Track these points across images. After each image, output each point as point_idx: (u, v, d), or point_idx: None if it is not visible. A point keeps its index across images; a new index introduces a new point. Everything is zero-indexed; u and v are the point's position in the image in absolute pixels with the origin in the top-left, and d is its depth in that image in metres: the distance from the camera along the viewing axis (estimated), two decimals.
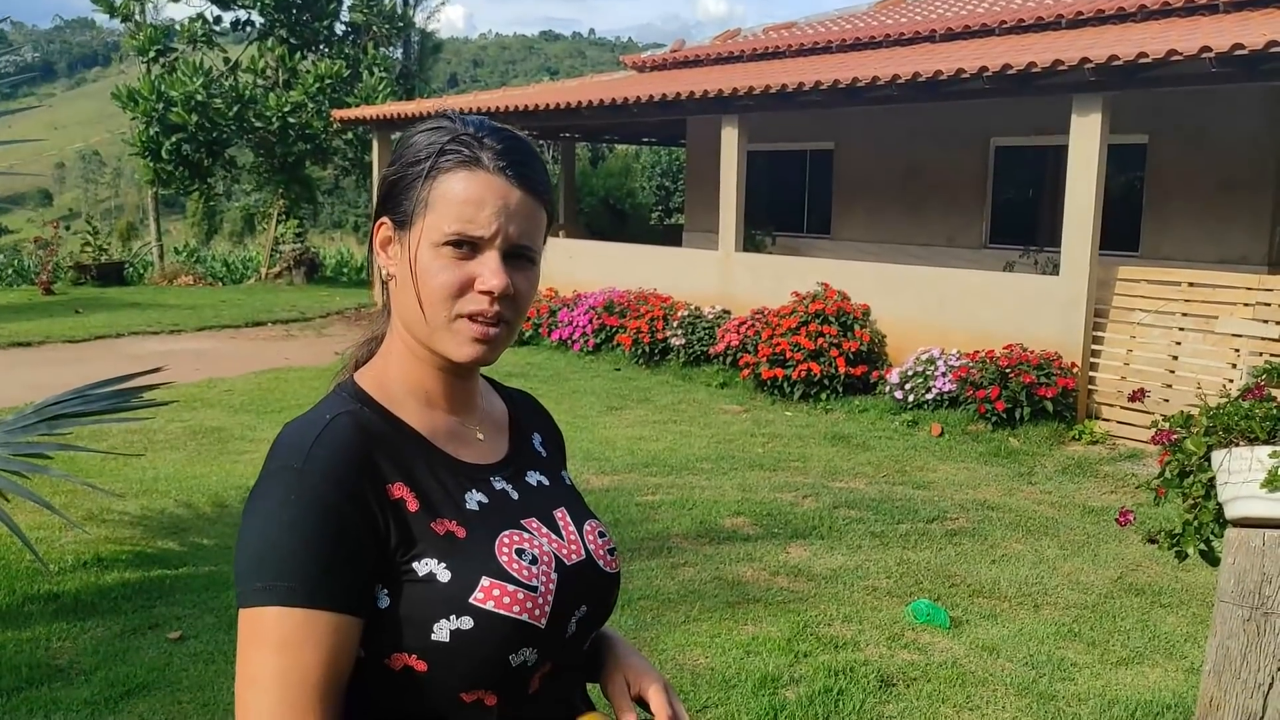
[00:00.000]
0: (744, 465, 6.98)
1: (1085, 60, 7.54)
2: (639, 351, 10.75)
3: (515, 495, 1.18)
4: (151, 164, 19.07)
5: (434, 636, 1.04)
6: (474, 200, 1.09)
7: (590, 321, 11.41)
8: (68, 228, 24.92)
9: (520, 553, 1.10)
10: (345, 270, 22.67)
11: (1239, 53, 6.89)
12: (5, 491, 3.92)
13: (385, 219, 1.14)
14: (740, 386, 9.63)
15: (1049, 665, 3.98)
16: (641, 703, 1.21)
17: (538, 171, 1.13)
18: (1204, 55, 7.05)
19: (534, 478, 1.23)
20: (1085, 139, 7.93)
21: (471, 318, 1.10)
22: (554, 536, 1.17)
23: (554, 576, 1.11)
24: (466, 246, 1.09)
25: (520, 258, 1.12)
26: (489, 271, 1.09)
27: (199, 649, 3.97)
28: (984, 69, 8.18)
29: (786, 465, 7.04)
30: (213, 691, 3.62)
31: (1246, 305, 7.40)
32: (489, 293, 1.09)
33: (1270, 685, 2.63)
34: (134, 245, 24.92)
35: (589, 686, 1.27)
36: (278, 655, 0.99)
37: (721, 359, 10.02)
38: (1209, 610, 4.51)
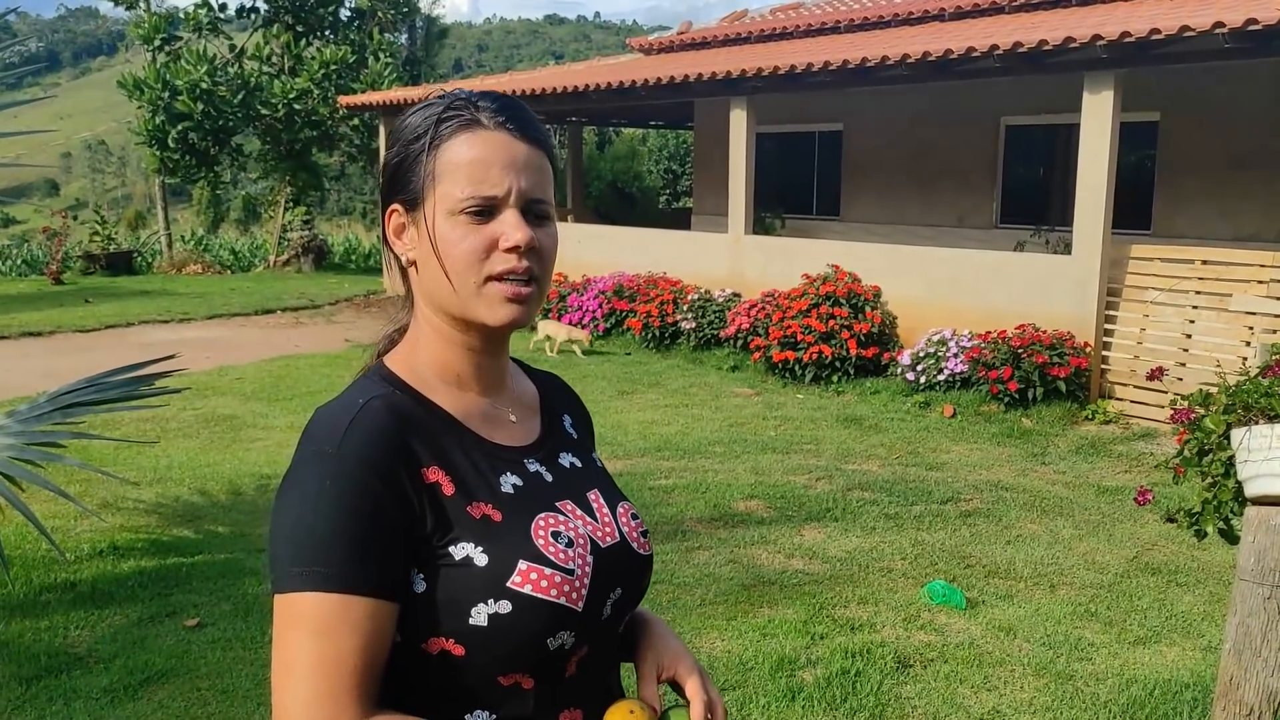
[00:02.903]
0: (756, 448, 6.97)
1: (1097, 37, 7.47)
2: (649, 335, 10.74)
3: (549, 477, 1.17)
4: (158, 153, 19.06)
5: (471, 620, 1.03)
6: (482, 160, 1.08)
7: (600, 306, 11.39)
8: (75, 217, 24.96)
9: (556, 535, 1.10)
10: (353, 257, 22.68)
11: (1252, 28, 6.83)
12: (21, 480, 3.93)
13: (395, 205, 1.13)
14: (751, 369, 9.61)
15: (1066, 645, 3.97)
16: (675, 686, 1.20)
17: (537, 124, 1.13)
18: (1217, 30, 6.99)
19: (566, 459, 1.22)
20: (1097, 117, 7.87)
21: (501, 278, 1.09)
22: (588, 519, 1.16)
23: (589, 559, 1.11)
24: (483, 210, 1.08)
25: (537, 214, 1.11)
26: (510, 227, 1.08)
27: (217, 636, 3.97)
28: (995, 47, 8.11)
29: (799, 448, 7.03)
30: (231, 678, 3.63)
31: (1260, 283, 7.36)
32: (515, 248, 1.08)
33: None
34: (142, 234, 24.97)
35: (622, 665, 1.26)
36: (315, 641, 0.98)
37: (732, 342, 10.00)
38: (1226, 589, 4.50)
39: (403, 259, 1.14)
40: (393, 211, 1.14)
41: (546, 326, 10.69)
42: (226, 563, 4.78)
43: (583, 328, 11.48)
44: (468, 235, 1.08)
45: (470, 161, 1.08)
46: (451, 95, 1.13)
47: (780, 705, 3.44)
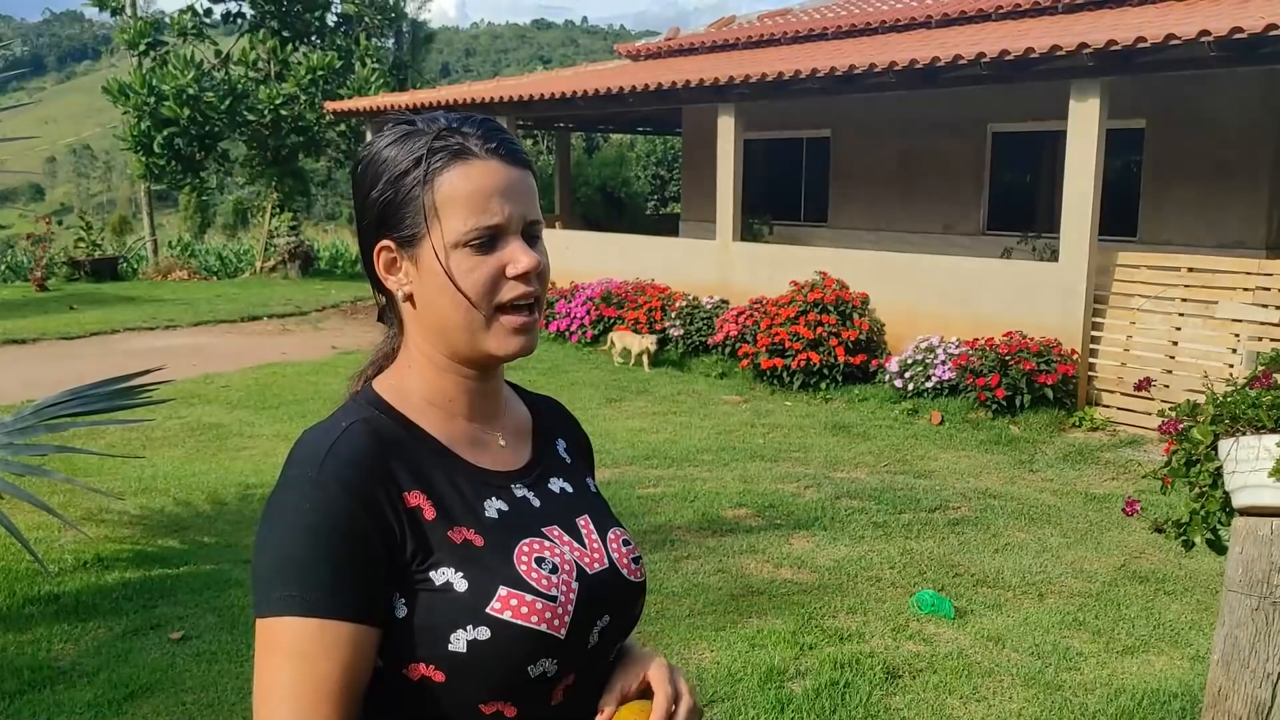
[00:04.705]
0: (745, 456, 6.97)
1: (1083, 45, 7.50)
2: None
3: (537, 503, 1.16)
4: (143, 158, 18.95)
5: (451, 647, 1.03)
6: (481, 190, 1.08)
7: (588, 313, 11.38)
8: (60, 223, 24.85)
9: (540, 561, 1.08)
10: (340, 262, 22.58)
11: (1237, 36, 6.86)
12: (3, 493, 3.89)
13: (387, 241, 1.12)
14: (739, 377, 9.61)
15: (1055, 655, 3.97)
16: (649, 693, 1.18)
17: (519, 144, 1.13)
18: (1202, 39, 7.02)
19: (557, 484, 1.21)
20: (1083, 124, 7.90)
21: (511, 307, 1.09)
22: (576, 544, 1.14)
23: (575, 586, 1.10)
24: (486, 239, 1.08)
25: (532, 235, 1.12)
26: (517, 254, 1.09)
27: (202, 648, 3.94)
28: (981, 55, 8.14)
29: (787, 455, 7.02)
30: (216, 691, 3.60)
31: (1246, 290, 7.40)
32: (524, 275, 1.08)
33: None
34: (128, 240, 24.82)
35: None
36: (294, 665, 0.98)
37: (720, 349, 10.00)
38: (1213, 597, 4.51)
39: (399, 294, 1.13)
40: (382, 249, 1.12)
41: (623, 338, 10.31)
42: (212, 574, 4.75)
43: (570, 335, 11.45)
44: (475, 267, 1.08)
45: (469, 193, 1.08)
46: (426, 123, 1.11)
47: (770, 717, 3.43)
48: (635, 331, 10.42)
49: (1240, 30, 6.83)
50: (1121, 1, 10.81)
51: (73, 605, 4.35)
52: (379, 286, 1.16)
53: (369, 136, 15.55)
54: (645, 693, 1.18)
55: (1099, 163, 7.90)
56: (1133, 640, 4.13)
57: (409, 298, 1.12)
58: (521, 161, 1.12)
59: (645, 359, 10.11)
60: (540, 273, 1.11)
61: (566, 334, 11.52)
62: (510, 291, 1.09)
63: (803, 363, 9.01)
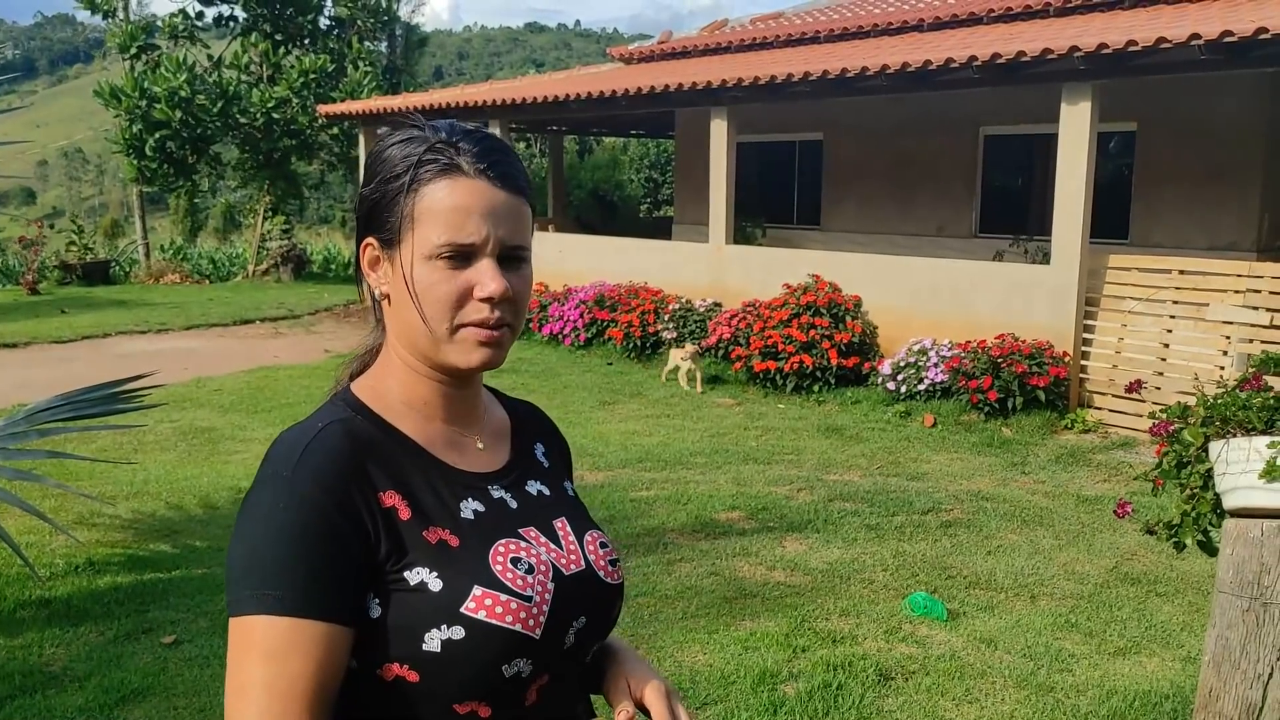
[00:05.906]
0: (738, 459, 6.97)
1: (1075, 49, 7.53)
2: (630, 345, 10.73)
3: (514, 504, 1.17)
4: (135, 161, 18.90)
5: (425, 646, 1.03)
6: (460, 208, 1.08)
7: (581, 316, 11.37)
8: (51, 226, 24.73)
9: (516, 562, 1.09)
10: (333, 266, 22.55)
11: (1228, 39, 6.89)
12: None
13: (371, 239, 1.13)
14: (732, 379, 9.61)
15: (1047, 656, 3.98)
16: (643, 710, 1.19)
17: (516, 168, 1.13)
18: (1193, 42, 7.05)
19: (534, 487, 1.22)
20: (1075, 127, 7.93)
21: (474, 325, 1.09)
22: (552, 546, 1.15)
23: (551, 586, 1.10)
24: (459, 256, 1.08)
25: (513, 259, 1.11)
26: (486, 278, 1.08)
27: (193, 653, 3.93)
28: (973, 58, 8.16)
29: (780, 458, 7.03)
30: (208, 696, 3.59)
31: (1237, 292, 7.42)
32: (489, 299, 1.08)
33: (1270, 676, 2.62)
34: (119, 243, 24.77)
35: (593, 699, 1.25)
36: (265, 664, 0.98)
37: (713, 352, 9.99)
38: (1204, 599, 4.52)
39: (376, 292, 1.15)
40: (367, 246, 1.14)
41: (675, 356, 9.63)
42: (204, 578, 4.73)
43: (563, 338, 11.45)
44: (443, 281, 1.08)
45: (449, 209, 1.08)
46: (431, 131, 1.12)
47: (763, 719, 3.43)
48: (682, 348, 9.80)
49: (1231, 34, 6.86)
50: (1113, 5, 10.85)
51: (64, 610, 4.33)
52: (362, 281, 1.17)
53: (362, 140, 15.58)
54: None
55: (1090, 165, 7.92)
56: (1125, 642, 4.14)
57: (385, 296, 1.14)
58: (513, 186, 1.11)
59: (687, 376, 9.45)
60: (511, 299, 1.10)
61: (560, 337, 11.52)
62: (474, 313, 1.09)
63: (796, 365, 9.02)
